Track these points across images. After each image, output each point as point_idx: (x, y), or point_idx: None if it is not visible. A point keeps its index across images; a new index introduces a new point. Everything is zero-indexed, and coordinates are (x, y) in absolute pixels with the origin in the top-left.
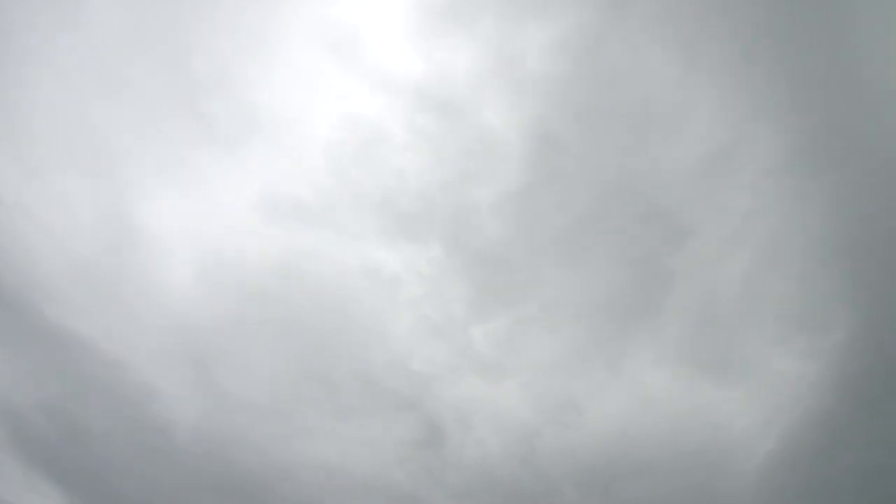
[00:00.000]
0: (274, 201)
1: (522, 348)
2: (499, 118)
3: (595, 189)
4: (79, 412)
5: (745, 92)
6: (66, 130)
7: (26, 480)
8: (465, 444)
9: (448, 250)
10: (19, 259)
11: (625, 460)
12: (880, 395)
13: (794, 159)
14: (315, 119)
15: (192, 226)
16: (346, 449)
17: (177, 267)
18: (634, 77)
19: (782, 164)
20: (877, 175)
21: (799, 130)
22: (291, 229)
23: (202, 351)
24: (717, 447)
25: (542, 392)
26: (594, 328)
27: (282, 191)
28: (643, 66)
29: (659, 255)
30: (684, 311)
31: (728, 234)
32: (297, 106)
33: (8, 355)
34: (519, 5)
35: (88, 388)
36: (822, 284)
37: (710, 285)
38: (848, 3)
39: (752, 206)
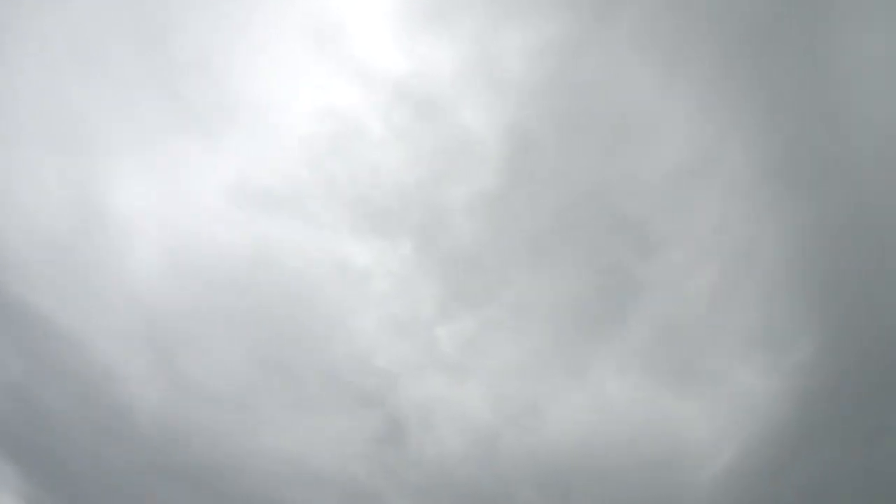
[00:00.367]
0: (247, 189)
1: (487, 350)
2: (477, 119)
3: (568, 195)
4: (38, 391)
5: (721, 108)
6: (38, 107)
7: None
8: (426, 443)
9: (419, 248)
10: None
11: (584, 466)
12: (838, 415)
13: (766, 177)
14: (293, 109)
15: (163, 209)
16: (305, 441)
17: (145, 250)
18: (613, 86)
19: (754, 182)
20: (846, 198)
21: (772, 149)
22: (263, 218)
23: (166, 336)
24: (676, 458)
25: (505, 394)
26: (560, 333)
27: (255, 179)
28: (622, 76)
29: (628, 264)
30: (650, 321)
31: (697, 247)
32: (275, 95)
33: None
34: (504, 9)
35: (48, 368)
36: (787, 303)
37: (676, 297)
38: (828, 27)
39: (721, 221)
